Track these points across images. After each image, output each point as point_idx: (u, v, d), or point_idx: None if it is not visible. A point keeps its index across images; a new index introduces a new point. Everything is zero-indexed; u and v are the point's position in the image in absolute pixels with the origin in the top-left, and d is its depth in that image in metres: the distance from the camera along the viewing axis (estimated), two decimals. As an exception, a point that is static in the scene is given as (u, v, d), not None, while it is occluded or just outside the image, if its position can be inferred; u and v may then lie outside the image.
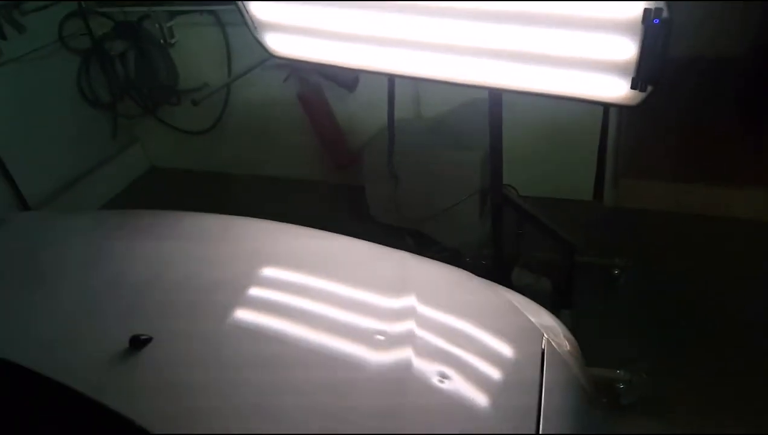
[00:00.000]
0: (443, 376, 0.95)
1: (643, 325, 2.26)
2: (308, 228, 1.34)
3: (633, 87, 1.33)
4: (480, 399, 0.93)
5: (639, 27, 1.22)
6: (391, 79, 2.10)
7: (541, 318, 1.13)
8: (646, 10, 1.21)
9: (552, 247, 2.21)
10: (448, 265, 1.25)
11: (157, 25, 3.06)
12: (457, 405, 0.92)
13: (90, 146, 3.46)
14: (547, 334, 1.06)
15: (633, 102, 1.38)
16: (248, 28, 1.76)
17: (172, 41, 3.12)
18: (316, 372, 0.96)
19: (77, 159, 3.37)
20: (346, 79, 2.88)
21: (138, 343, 1.00)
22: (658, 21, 1.19)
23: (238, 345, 1.04)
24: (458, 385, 0.93)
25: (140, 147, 3.76)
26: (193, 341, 1.03)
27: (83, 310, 1.11)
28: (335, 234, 1.32)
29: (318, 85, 2.97)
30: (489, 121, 1.81)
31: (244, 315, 1.11)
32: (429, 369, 0.95)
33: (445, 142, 2.61)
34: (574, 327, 1.32)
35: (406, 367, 0.95)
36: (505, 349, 1.02)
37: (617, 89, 1.37)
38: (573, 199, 2.97)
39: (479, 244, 2.54)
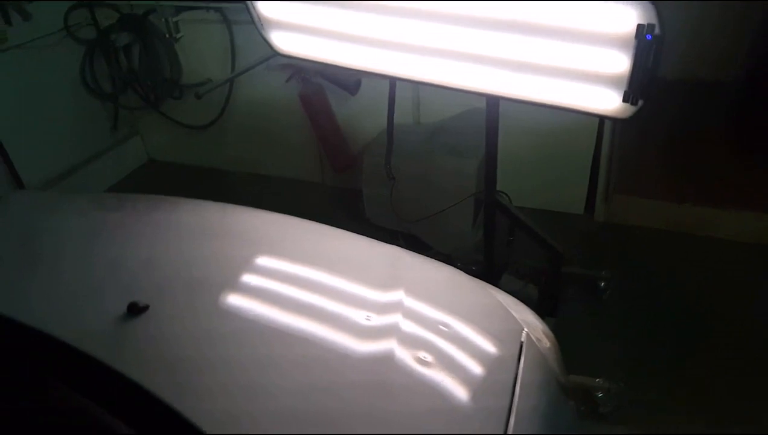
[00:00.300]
0: (423, 359, 0.98)
1: (625, 337, 2.30)
2: (304, 219, 1.38)
3: (625, 100, 1.38)
4: (456, 381, 0.97)
5: (632, 42, 1.27)
6: (393, 82, 2.14)
7: (523, 315, 1.16)
8: (639, 26, 1.25)
9: (541, 255, 2.26)
10: (437, 261, 1.29)
11: (163, 20, 3.09)
12: (434, 385, 0.95)
13: (90, 136, 3.48)
14: (527, 329, 1.10)
15: (624, 115, 1.42)
16: (255, 24, 1.80)
17: (178, 36, 3.16)
18: (302, 346, 1.01)
19: (76, 148, 3.40)
20: (349, 81, 2.92)
21: (136, 309, 1.04)
22: (650, 37, 1.24)
23: (229, 319, 1.08)
24: (437, 367, 0.97)
25: (140, 139, 3.79)
26: (187, 311, 1.07)
27: (81, 281, 1.14)
28: (330, 226, 1.36)
29: (320, 87, 3.01)
30: (486, 128, 1.85)
31: (236, 294, 1.15)
32: (411, 350, 0.99)
33: (442, 148, 2.65)
34: (556, 334, 1.35)
35: (388, 346, 0.99)
36: (486, 338, 1.05)
37: (610, 102, 1.42)
38: (564, 211, 3.02)
39: (471, 250, 2.58)
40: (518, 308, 1.19)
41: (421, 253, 1.34)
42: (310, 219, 1.43)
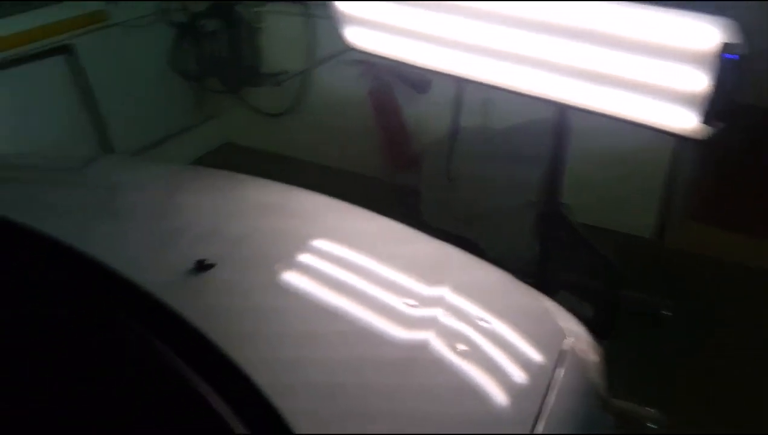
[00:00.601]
0: (459, 348, 1.01)
1: (682, 370, 2.19)
2: (365, 209, 1.44)
3: (703, 121, 1.32)
4: (488, 374, 0.99)
5: (714, 60, 1.21)
6: (461, 82, 2.13)
7: (570, 325, 1.15)
8: (724, 45, 1.20)
9: (601, 275, 2.19)
10: (486, 262, 1.30)
11: (248, 10, 3.22)
12: (465, 374, 0.98)
13: (173, 114, 3.68)
14: (570, 338, 1.08)
15: (700, 136, 1.36)
16: (333, 18, 1.85)
17: (261, 26, 3.28)
18: (346, 322, 1.07)
19: (160, 124, 3.60)
20: (419, 81, 2.93)
21: (203, 266, 1.12)
22: (734, 56, 1.18)
23: (285, 289, 1.15)
24: (471, 358, 1.00)
25: (218, 121, 3.96)
26: (248, 276, 1.16)
27: (156, 236, 1.25)
28: (388, 218, 1.41)
29: (389, 84, 3.04)
30: (554, 136, 1.82)
31: (293, 269, 1.22)
32: (448, 338, 1.02)
33: (506, 154, 2.61)
34: (609, 356, 1.31)
35: (426, 331, 1.04)
36: (525, 340, 1.06)
37: (685, 121, 1.36)
38: (630, 233, 2.90)
39: (527, 262, 2.53)
40: (566, 318, 1.17)
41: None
42: (366, 211, 1.48)
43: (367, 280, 1.18)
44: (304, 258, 1.25)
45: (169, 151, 3.61)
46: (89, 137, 3.23)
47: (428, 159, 2.80)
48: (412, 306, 1.10)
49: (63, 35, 2.96)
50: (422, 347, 1.00)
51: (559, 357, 1.04)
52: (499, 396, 0.96)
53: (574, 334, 1.13)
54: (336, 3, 1.79)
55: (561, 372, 1.01)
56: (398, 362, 0.98)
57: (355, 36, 1.87)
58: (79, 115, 3.17)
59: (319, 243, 1.31)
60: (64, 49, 3.00)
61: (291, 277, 1.19)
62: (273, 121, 3.67)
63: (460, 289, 1.15)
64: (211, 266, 1.12)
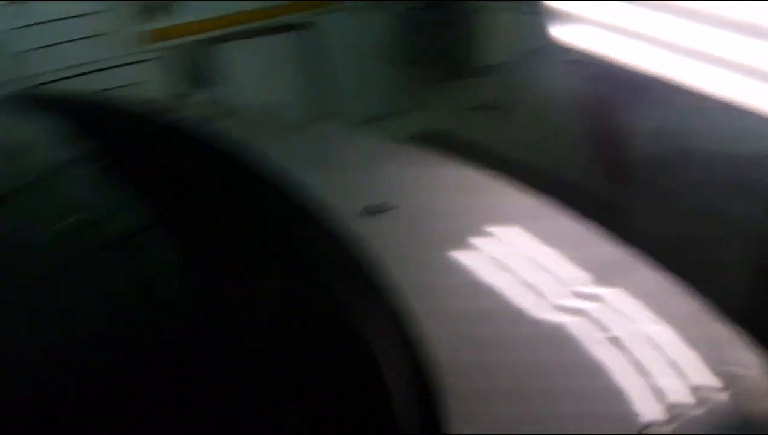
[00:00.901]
0: (601, 339, 1.03)
1: None
2: (557, 209, 1.43)
3: None
4: (622, 369, 0.98)
5: None
6: (689, 94, 1.93)
7: (747, 358, 1.05)
8: None
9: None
10: (670, 280, 1.21)
11: (465, 4, 3.29)
12: (599, 360, 1.00)
13: (380, 98, 3.93)
14: (738, 367, 1.01)
15: None
16: (548, 15, 1.79)
17: (477, 20, 3.32)
18: (499, 300, 1.13)
19: (366, 106, 3.87)
20: (640, 87, 2.70)
21: (377, 210, 1.27)
22: None
23: (461, 269, 1.23)
24: (615, 347, 1.01)
25: (426, 110, 4.07)
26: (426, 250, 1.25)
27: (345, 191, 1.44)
28: (586, 225, 1.39)
29: (606, 88, 2.85)
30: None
31: (472, 251, 1.29)
32: (593, 328, 1.05)
33: (732, 183, 2.31)
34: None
35: (575, 316, 1.08)
36: (682, 353, 1.02)
37: None
38: None
39: (736, 299, 2.23)
40: (746, 352, 1.06)
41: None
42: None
43: (537, 269, 1.22)
44: (484, 242, 1.31)
45: (377, 132, 3.85)
46: (310, 105, 3.77)
47: (640, 172, 2.61)
48: (574, 296, 1.13)
49: (293, 15, 3.61)
50: (568, 329, 1.05)
51: (712, 377, 0.99)
52: (630, 389, 0.96)
53: (751, 367, 1.04)
54: (551, 1, 1.72)
55: (716, 394, 0.97)
56: (544, 342, 1.04)
57: (572, 34, 1.78)
58: (307, 85, 3.74)
59: (499, 230, 1.36)
60: (296, 27, 3.62)
61: (469, 257, 1.25)
62: (475, 113, 3.69)
63: (629, 293, 1.15)
64: (387, 210, 1.26)
